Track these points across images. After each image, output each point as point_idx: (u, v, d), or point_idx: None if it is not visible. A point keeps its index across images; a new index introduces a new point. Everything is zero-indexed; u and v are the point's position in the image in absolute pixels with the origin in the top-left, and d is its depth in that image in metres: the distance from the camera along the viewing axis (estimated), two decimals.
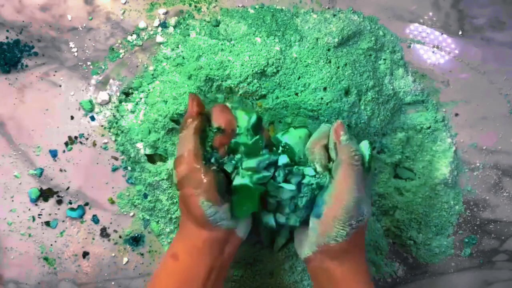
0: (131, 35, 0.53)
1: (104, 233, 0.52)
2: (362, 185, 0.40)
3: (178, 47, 0.52)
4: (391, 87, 0.53)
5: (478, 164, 0.56)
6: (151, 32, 0.53)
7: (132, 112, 0.52)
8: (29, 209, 0.52)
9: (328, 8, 0.54)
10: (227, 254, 0.42)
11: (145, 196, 0.52)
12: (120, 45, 0.53)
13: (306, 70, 0.49)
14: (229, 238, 0.42)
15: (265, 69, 0.48)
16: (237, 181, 0.41)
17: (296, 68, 0.49)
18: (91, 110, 0.52)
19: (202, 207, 0.39)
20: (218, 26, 0.52)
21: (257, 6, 0.53)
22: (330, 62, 0.49)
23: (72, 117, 0.52)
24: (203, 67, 0.49)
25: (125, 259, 0.53)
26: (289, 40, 0.50)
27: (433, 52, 0.55)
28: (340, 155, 0.41)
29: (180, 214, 0.43)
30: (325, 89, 0.48)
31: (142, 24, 0.52)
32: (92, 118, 0.52)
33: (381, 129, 0.53)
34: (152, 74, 0.52)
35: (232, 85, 0.49)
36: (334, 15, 0.53)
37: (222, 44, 0.50)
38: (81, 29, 0.52)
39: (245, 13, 0.52)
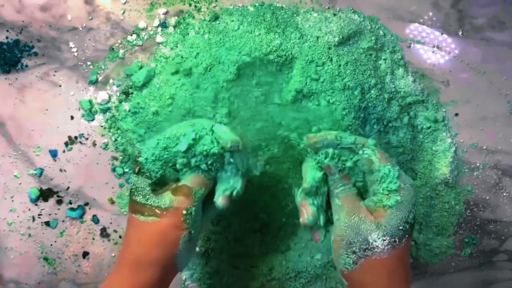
0: (131, 35, 0.53)
1: (104, 233, 0.52)
2: (357, 210, 0.37)
3: (177, 47, 0.52)
4: (393, 85, 0.53)
5: (478, 164, 0.56)
6: (151, 32, 0.53)
7: (132, 112, 0.52)
8: (29, 209, 0.52)
9: (328, 8, 0.54)
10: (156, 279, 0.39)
11: None
12: (120, 45, 0.53)
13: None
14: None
15: (266, 56, 0.48)
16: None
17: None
18: (91, 109, 0.52)
19: (181, 242, 0.37)
20: (217, 19, 0.52)
21: (257, 4, 0.53)
22: (331, 60, 0.49)
23: (72, 117, 0.52)
24: (201, 63, 0.49)
25: None
26: (289, 37, 0.50)
27: (433, 52, 0.55)
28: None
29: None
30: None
31: (142, 24, 0.52)
32: (92, 118, 0.52)
33: (390, 127, 0.52)
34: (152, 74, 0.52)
35: (230, 78, 0.49)
36: (335, 14, 0.53)
37: (220, 40, 0.50)
38: (81, 29, 0.52)
39: (244, 11, 0.52)
